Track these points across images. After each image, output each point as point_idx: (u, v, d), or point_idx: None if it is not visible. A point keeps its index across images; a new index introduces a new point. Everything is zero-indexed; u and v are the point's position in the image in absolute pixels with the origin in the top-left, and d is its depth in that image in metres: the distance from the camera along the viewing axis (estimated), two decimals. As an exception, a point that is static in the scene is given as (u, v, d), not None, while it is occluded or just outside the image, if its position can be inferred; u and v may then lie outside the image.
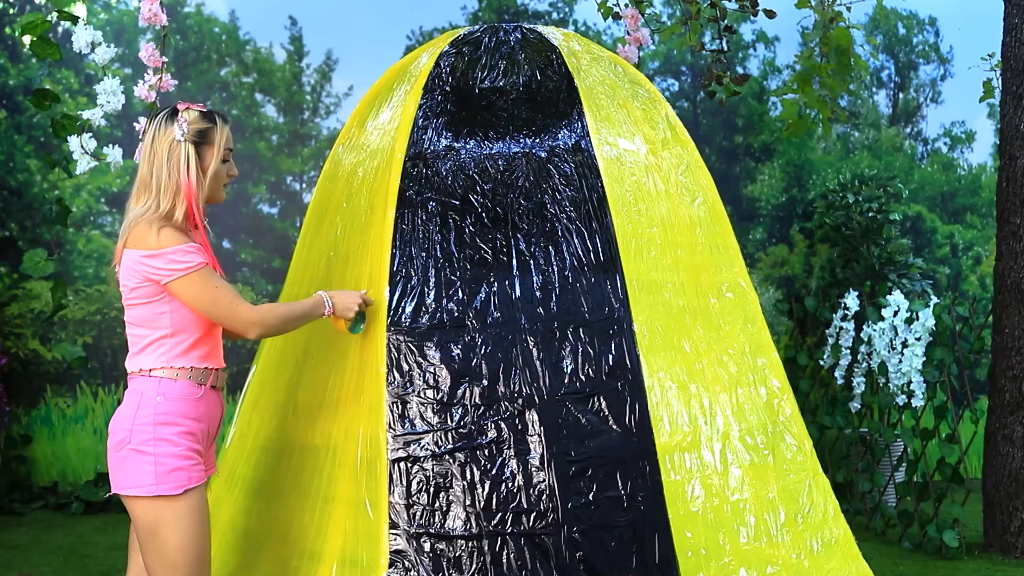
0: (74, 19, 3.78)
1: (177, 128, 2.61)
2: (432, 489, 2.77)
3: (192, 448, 2.56)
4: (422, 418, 2.83)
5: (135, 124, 3.87)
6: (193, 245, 2.58)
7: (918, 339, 5.34)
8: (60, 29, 6.06)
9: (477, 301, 2.96)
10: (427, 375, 2.88)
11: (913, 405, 5.41)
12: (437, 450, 2.80)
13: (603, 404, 2.89)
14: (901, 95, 7.78)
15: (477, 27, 3.56)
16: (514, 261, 3.02)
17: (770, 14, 4.82)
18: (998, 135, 5.56)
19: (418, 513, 2.75)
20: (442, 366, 2.88)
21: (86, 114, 3.74)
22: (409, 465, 2.78)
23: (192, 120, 2.64)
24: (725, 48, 4.92)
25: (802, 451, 3.27)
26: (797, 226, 7.32)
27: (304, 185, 6.82)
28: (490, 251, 3.03)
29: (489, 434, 2.81)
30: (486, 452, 2.79)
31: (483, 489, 2.76)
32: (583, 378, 2.91)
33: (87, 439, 6.42)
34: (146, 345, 2.60)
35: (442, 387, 2.86)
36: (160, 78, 3.79)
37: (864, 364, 5.73)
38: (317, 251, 3.42)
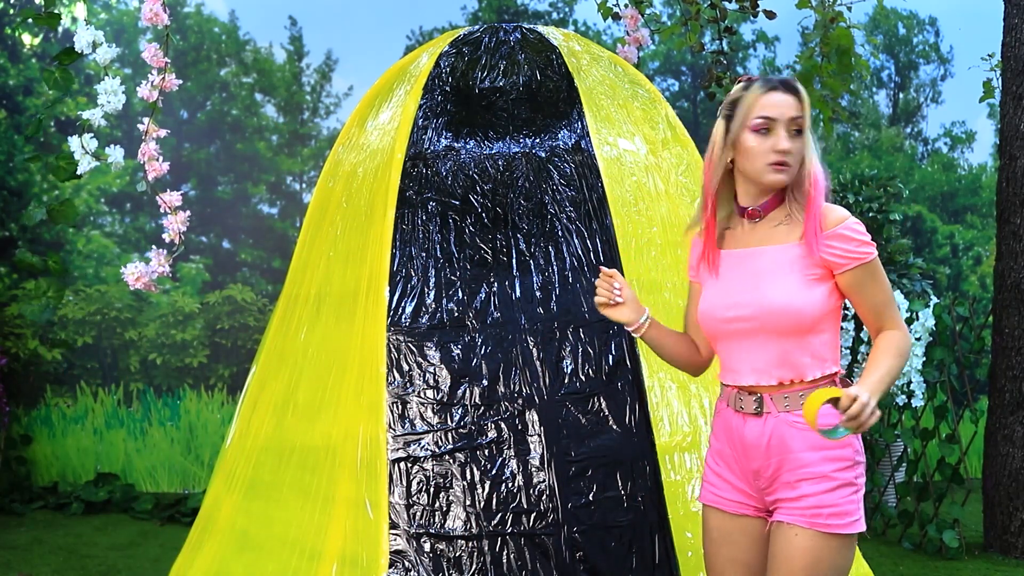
0: (54, 22, 3.78)
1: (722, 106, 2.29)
2: (432, 489, 2.77)
3: (709, 466, 2.33)
4: (422, 418, 2.83)
5: (139, 124, 3.88)
6: (693, 240, 2.35)
7: (918, 339, 5.34)
8: (60, 29, 6.04)
9: (477, 301, 2.96)
10: (427, 375, 2.88)
11: (913, 405, 5.40)
12: (437, 450, 2.80)
13: (603, 404, 2.89)
14: (901, 95, 7.78)
15: (477, 27, 3.56)
16: (514, 261, 3.02)
17: (770, 15, 4.82)
18: (998, 135, 5.56)
19: (418, 513, 2.75)
20: (442, 366, 2.88)
21: (86, 114, 3.74)
22: (409, 465, 2.78)
23: (732, 92, 2.26)
24: (725, 49, 4.91)
25: (802, 451, 3.26)
26: (797, 226, 7.31)
27: (304, 185, 6.82)
28: (490, 251, 3.03)
29: (489, 434, 2.81)
30: (486, 452, 2.79)
31: (483, 489, 2.76)
32: (583, 378, 2.91)
33: (87, 439, 6.42)
34: None
35: (442, 387, 2.86)
36: (163, 78, 3.79)
37: (864, 364, 5.73)
38: (317, 251, 3.42)
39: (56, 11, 3.84)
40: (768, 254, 2.20)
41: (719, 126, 2.24)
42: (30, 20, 3.83)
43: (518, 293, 2.98)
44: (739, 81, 2.29)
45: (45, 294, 4.07)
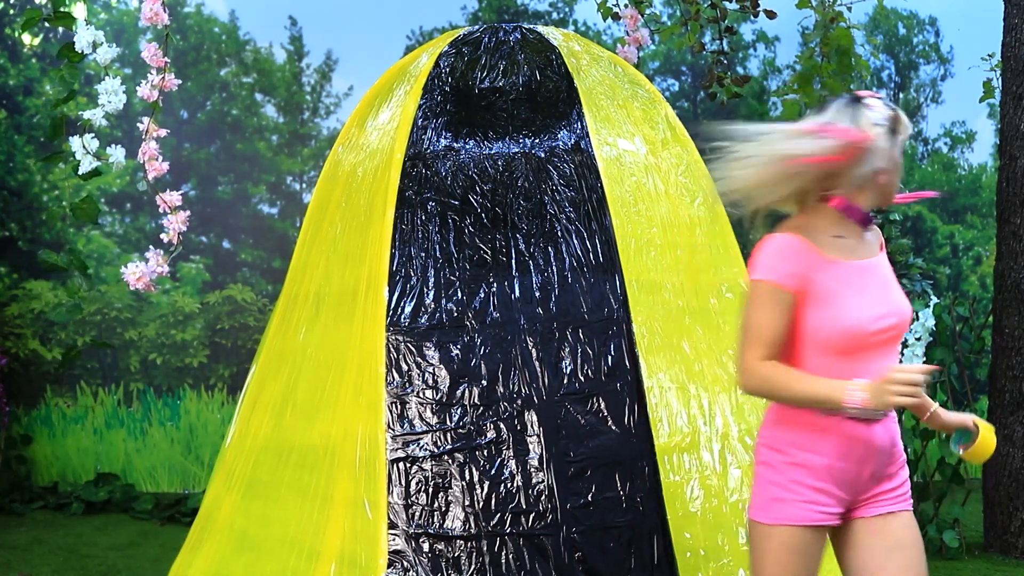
0: (69, 22, 3.78)
1: None
2: (431, 489, 2.77)
3: (805, 485, 2.18)
4: (421, 418, 2.83)
5: (139, 124, 3.88)
6: (787, 243, 2.15)
7: (918, 339, 5.34)
8: (60, 29, 6.04)
9: (476, 301, 2.96)
10: (426, 375, 2.88)
11: (913, 405, 5.40)
12: (436, 450, 2.80)
13: (602, 405, 2.89)
14: (901, 95, 7.78)
15: (477, 27, 3.56)
16: (513, 261, 3.02)
17: (770, 15, 4.82)
18: (998, 135, 5.56)
19: (417, 513, 2.75)
20: (441, 366, 2.88)
21: (87, 114, 3.74)
22: (408, 465, 2.78)
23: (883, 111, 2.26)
24: (725, 48, 4.91)
25: (801, 451, 3.26)
26: (797, 226, 7.30)
27: (304, 185, 6.82)
28: (489, 251, 3.03)
29: (488, 434, 2.81)
30: (485, 452, 2.79)
31: (482, 489, 2.76)
32: (582, 379, 2.91)
33: (87, 439, 6.42)
34: None
35: (441, 387, 2.86)
36: (163, 77, 3.79)
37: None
38: (317, 251, 3.42)
39: (63, 10, 3.85)
40: (884, 264, 2.31)
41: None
42: (45, 22, 3.83)
43: (517, 293, 2.98)
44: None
45: (76, 294, 4.07)
